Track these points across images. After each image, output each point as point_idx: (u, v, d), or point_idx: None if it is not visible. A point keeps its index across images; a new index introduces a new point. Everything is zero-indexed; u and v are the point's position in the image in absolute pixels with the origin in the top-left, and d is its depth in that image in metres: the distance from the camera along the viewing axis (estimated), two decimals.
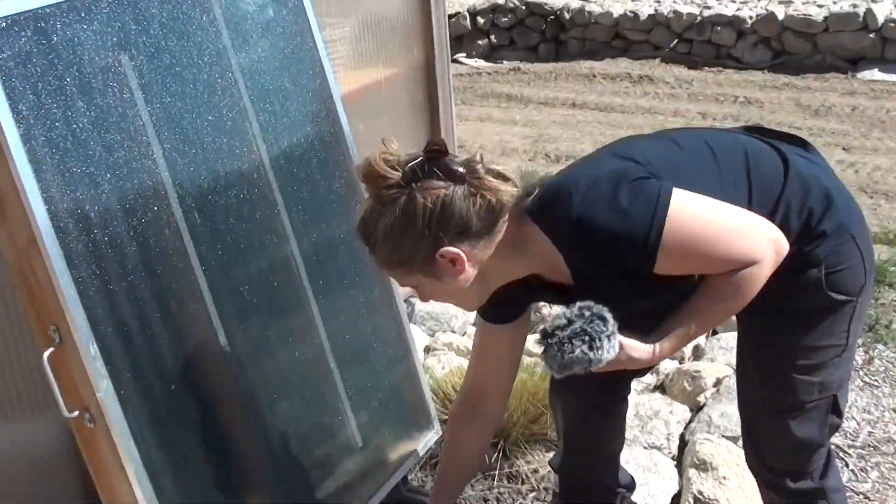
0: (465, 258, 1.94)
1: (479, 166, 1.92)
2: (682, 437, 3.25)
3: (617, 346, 1.92)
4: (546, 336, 1.91)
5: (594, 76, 9.43)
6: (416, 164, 1.90)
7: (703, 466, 2.92)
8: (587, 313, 1.89)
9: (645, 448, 3.17)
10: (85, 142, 2.01)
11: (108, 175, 2.05)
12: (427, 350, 3.91)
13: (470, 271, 1.97)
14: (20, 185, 1.86)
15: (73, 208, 1.98)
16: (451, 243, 1.92)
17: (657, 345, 2.01)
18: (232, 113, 2.36)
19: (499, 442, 3.16)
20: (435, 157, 1.90)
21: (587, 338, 1.86)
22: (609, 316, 1.90)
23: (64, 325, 1.95)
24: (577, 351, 1.86)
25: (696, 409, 3.37)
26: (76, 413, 2.01)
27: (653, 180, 1.96)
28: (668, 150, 2.11)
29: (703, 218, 1.94)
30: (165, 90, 2.18)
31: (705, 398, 3.39)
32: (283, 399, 2.51)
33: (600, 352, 1.88)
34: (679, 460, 3.14)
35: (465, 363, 3.53)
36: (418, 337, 3.87)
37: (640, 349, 1.99)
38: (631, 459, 3.00)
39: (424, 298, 2.10)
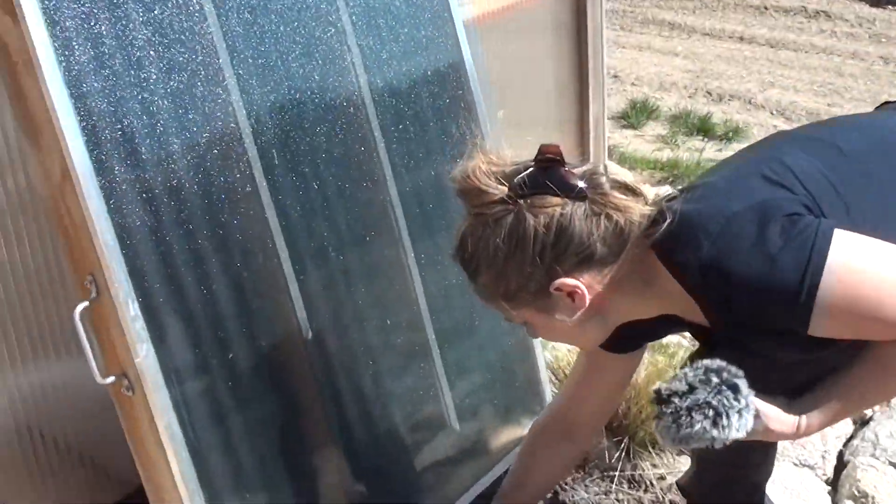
0: (584, 292, 1.60)
1: (604, 179, 1.57)
2: (840, 455, 2.77)
3: (750, 421, 1.55)
4: (660, 401, 1.55)
5: (766, 8, 8.68)
6: (525, 175, 1.55)
7: (863, 500, 2.45)
8: (715, 380, 1.52)
9: (795, 465, 2.71)
10: (139, 61, 1.68)
11: (166, 102, 1.72)
12: None
13: (590, 307, 1.62)
14: (52, 106, 1.55)
15: (119, 139, 1.66)
16: (569, 273, 1.58)
17: (804, 417, 1.64)
18: (326, 34, 1.99)
19: (623, 440, 2.76)
20: (549, 167, 1.56)
21: (711, 412, 1.50)
22: (743, 385, 1.53)
23: (101, 276, 1.65)
24: (698, 426, 1.51)
25: (861, 423, 2.87)
26: (112, 379, 1.72)
27: (809, 217, 1.54)
28: (829, 163, 1.66)
29: (873, 270, 1.51)
30: (242, 1, 1.83)
31: (872, 411, 2.88)
32: (368, 374, 2.18)
33: (727, 430, 1.51)
34: (834, 485, 2.67)
35: None
36: None
37: (782, 421, 1.62)
38: (776, 479, 2.55)
39: (534, 335, 1.76)
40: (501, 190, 1.56)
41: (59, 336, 2.31)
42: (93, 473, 2.47)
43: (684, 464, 2.76)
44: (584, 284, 1.59)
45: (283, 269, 1.95)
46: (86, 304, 1.67)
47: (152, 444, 1.77)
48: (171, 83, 1.73)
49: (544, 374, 2.70)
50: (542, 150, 1.57)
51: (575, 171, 1.57)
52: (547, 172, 1.55)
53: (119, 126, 1.65)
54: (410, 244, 2.24)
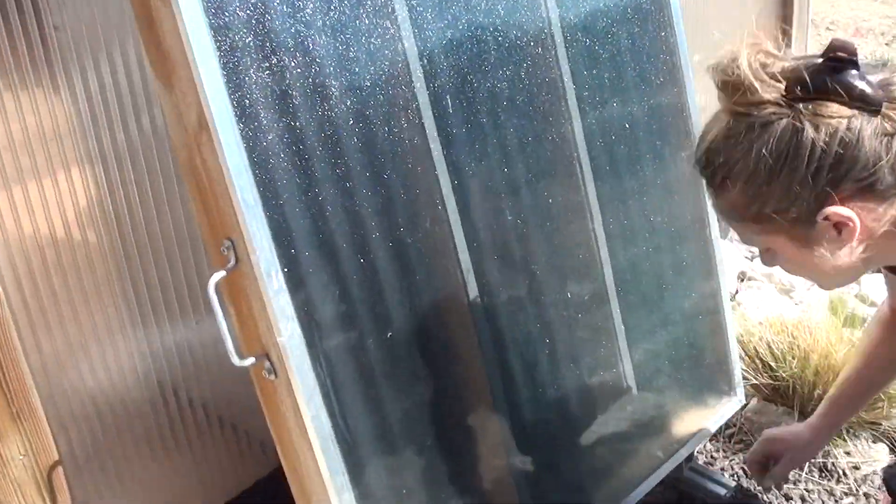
0: (857, 225, 1.29)
1: None
2: None
3: None
4: None
5: None
6: (809, 74, 1.24)
7: None
8: None
9: None
10: None
11: (323, 37, 1.45)
12: (740, 278, 3.15)
13: (856, 244, 1.32)
14: (188, 40, 1.29)
15: (266, 81, 1.39)
16: (844, 202, 1.27)
17: None
18: None
19: None
20: (840, 67, 1.24)
21: None
22: None
23: (240, 241, 1.40)
24: None
25: None
26: (251, 360, 1.48)
27: None
28: None
29: None
30: None
31: None
32: (543, 351, 1.88)
33: None
34: None
35: (786, 305, 2.76)
36: (729, 258, 3.10)
37: None
38: None
39: (771, 264, 1.44)
40: (777, 88, 1.26)
41: (200, 296, 2.11)
42: (245, 443, 2.28)
43: (881, 452, 2.39)
44: (859, 217, 1.28)
45: (453, 237, 1.67)
46: (222, 273, 1.43)
47: (297, 434, 1.54)
48: (331, 14, 1.45)
49: (735, 352, 2.35)
50: (834, 46, 1.25)
51: (870, 77, 1.25)
52: (837, 74, 1.24)
53: (267, 65, 1.39)
54: (599, 211, 1.92)
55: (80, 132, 1.83)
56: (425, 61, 1.56)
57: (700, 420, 2.30)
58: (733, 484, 2.31)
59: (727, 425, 2.47)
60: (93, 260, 1.89)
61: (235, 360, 1.46)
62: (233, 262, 1.42)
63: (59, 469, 1.90)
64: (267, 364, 1.48)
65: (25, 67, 1.73)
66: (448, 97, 1.61)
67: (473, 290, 1.71)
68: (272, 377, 1.49)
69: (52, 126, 1.79)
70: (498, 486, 1.84)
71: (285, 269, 1.42)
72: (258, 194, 1.38)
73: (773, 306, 2.88)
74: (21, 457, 1.83)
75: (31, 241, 1.80)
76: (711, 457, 2.43)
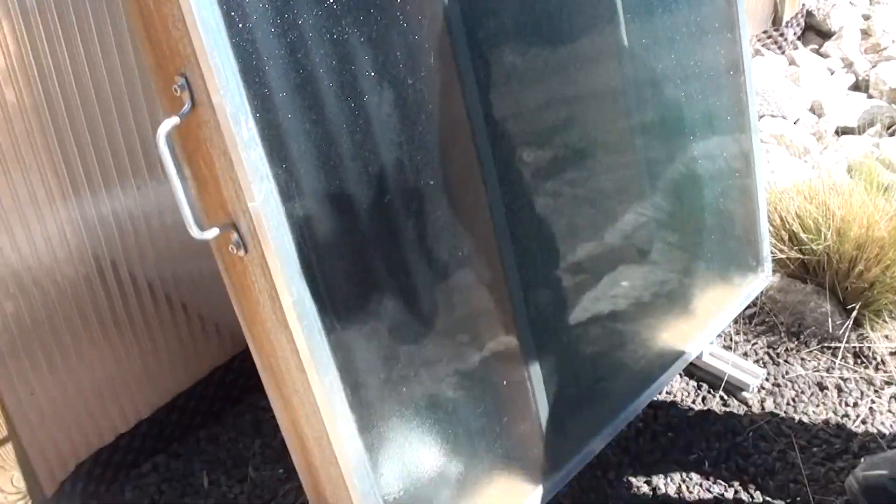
0: None
1: None
2: None
3: None
4: None
5: None
6: None
7: None
8: None
9: None
10: None
11: None
12: None
13: None
14: None
15: None
16: None
17: None
18: None
19: (853, 305, 2.15)
20: None
21: None
22: None
23: (198, 77, 1.07)
24: None
25: None
26: (214, 231, 1.16)
27: None
28: None
29: None
30: None
31: None
32: (558, 210, 1.59)
33: None
34: None
35: (802, 170, 2.48)
36: None
37: None
38: None
39: None
40: None
41: (142, 159, 1.77)
42: (199, 327, 1.98)
43: None
44: None
45: (462, 80, 1.35)
46: (175, 120, 1.10)
47: (273, 323, 1.24)
48: None
49: (765, 221, 2.08)
50: None
51: None
52: None
53: None
54: (623, 33, 1.61)
55: None
56: None
57: (724, 298, 2.04)
58: (761, 371, 2.06)
59: (748, 305, 2.22)
60: (12, 121, 1.54)
61: (195, 233, 1.14)
62: (188, 105, 1.09)
63: None
64: (234, 236, 1.17)
65: None
66: None
67: (485, 149, 1.40)
68: (241, 253, 1.18)
69: None
70: (509, 372, 1.56)
71: (256, 114, 1.10)
72: (220, 13, 1.04)
73: (787, 171, 2.60)
74: None
75: None
76: (731, 339, 2.19)
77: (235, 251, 1.18)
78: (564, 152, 1.57)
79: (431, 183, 1.34)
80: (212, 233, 1.16)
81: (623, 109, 1.66)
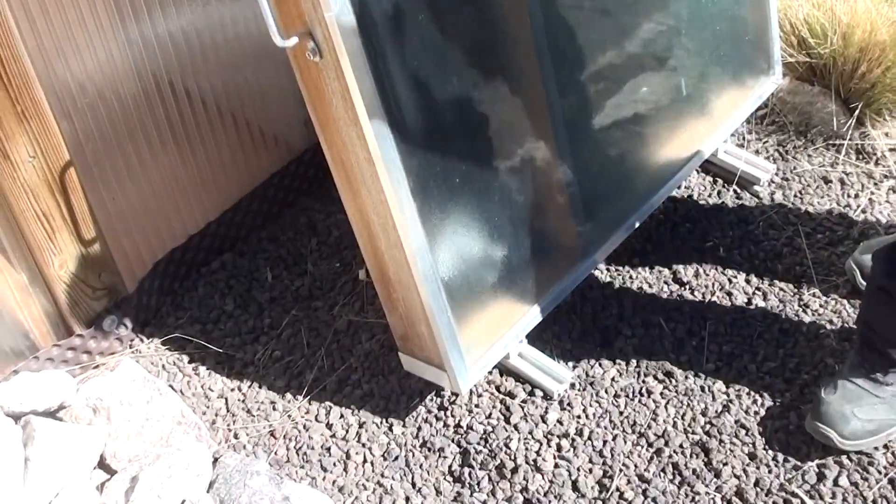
0: None
1: None
2: None
3: None
4: None
5: None
6: None
7: None
8: None
9: None
10: None
11: None
12: None
13: None
14: None
15: None
16: None
17: None
18: None
19: (856, 105, 2.31)
20: None
21: None
22: None
23: None
24: None
25: None
26: (294, 40, 1.32)
27: None
28: None
29: None
30: None
31: None
32: (582, 23, 1.74)
33: None
34: None
35: None
36: None
37: None
38: None
39: None
40: None
41: None
42: (259, 137, 2.15)
43: None
44: None
45: None
46: None
47: (345, 123, 1.41)
48: None
49: (775, 24, 2.22)
50: None
51: None
52: None
53: None
54: None
55: None
56: None
57: (738, 99, 2.20)
58: (771, 167, 2.24)
59: (760, 106, 2.38)
60: None
61: (277, 40, 1.30)
62: None
63: (72, 170, 1.78)
64: (311, 44, 1.33)
65: None
66: None
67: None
68: (316, 58, 1.35)
69: None
70: (546, 170, 1.74)
71: None
72: None
73: None
74: (31, 159, 1.71)
75: None
76: (744, 138, 2.35)
77: (311, 57, 1.35)
78: None
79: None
80: (291, 41, 1.32)
81: None
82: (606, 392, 1.79)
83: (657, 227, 2.13)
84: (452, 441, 1.73)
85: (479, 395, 1.80)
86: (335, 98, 1.39)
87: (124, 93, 1.85)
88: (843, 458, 1.63)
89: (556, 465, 1.68)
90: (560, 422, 1.74)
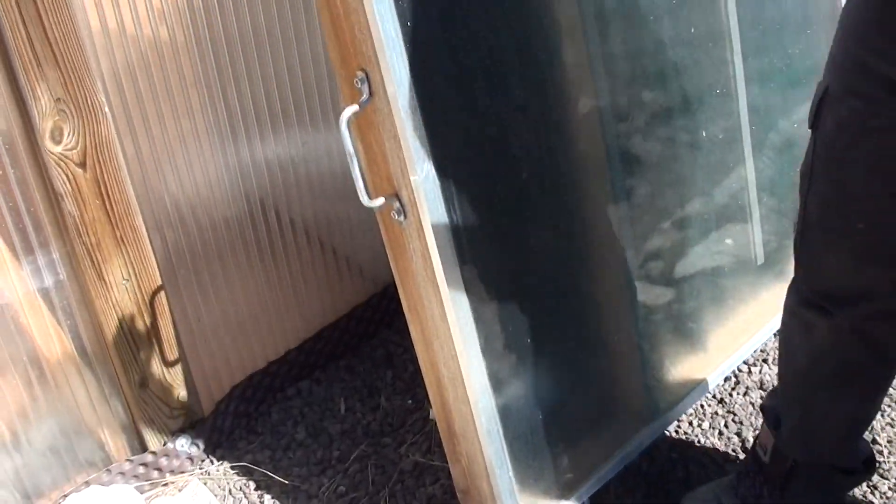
0: None
1: None
2: None
3: None
4: None
5: None
6: None
7: None
8: None
9: None
10: None
11: None
12: None
13: None
14: None
15: None
16: None
17: None
18: None
19: None
20: None
21: None
22: None
23: (376, 73, 1.28)
24: None
25: None
26: (381, 201, 1.38)
27: None
28: None
29: None
30: None
31: None
32: (667, 191, 1.76)
33: None
34: None
35: None
36: None
37: None
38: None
39: None
40: None
41: (305, 106, 1.99)
42: (345, 268, 2.22)
43: None
44: None
45: (589, 67, 1.53)
46: (355, 108, 1.31)
47: (423, 279, 1.45)
48: None
49: None
50: None
51: None
52: None
53: None
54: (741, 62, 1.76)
55: None
56: None
57: None
58: None
59: None
60: (168, 56, 1.74)
61: (365, 201, 1.36)
62: (366, 95, 1.30)
63: (162, 293, 1.86)
64: (396, 205, 1.39)
65: None
66: None
67: (611, 135, 1.58)
68: (401, 218, 1.40)
69: None
70: (618, 333, 1.76)
71: (422, 106, 1.30)
72: (398, 24, 1.24)
73: None
74: (124, 282, 1.78)
75: (117, 36, 1.68)
76: None
77: (396, 217, 1.40)
78: (670, 103, 1.74)
79: (563, 170, 1.54)
80: (378, 201, 1.38)
81: (727, 57, 1.82)
82: None
83: (730, 390, 2.11)
84: None
85: None
86: (415, 256, 1.43)
87: (217, 214, 1.92)
88: None
89: None
90: None
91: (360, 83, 1.30)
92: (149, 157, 1.77)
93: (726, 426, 2.02)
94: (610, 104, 1.58)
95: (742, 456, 1.95)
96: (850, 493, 1.81)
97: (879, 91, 1.17)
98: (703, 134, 1.79)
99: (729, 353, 2.03)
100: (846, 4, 1.24)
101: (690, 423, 2.03)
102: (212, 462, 2.04)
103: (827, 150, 1.29)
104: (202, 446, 2.03)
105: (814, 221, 1.36)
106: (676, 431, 2.02)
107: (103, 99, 1.61)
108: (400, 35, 1.25)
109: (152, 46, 1.70)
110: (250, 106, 1.89)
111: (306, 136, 2.02)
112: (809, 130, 1.33)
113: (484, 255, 1.47)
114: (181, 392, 1.98)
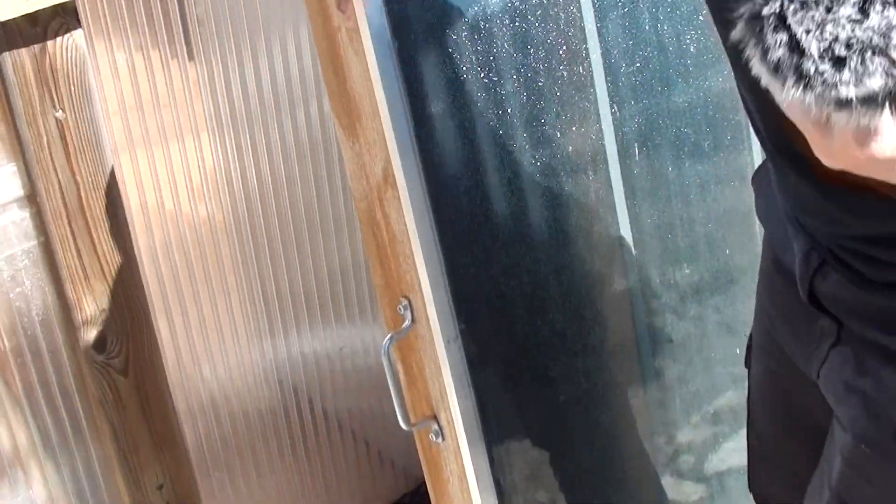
0: None
1: None
2: None
3: None
4: None
5: None
6: None
7: None
8: None
9: None
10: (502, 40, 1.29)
11: (519, 100, 1.32)
12: None
13: None
14: (381, 94, 1.18)
15: (455, 140, 1.28)
16: None
17: None
18: None
19: None
20: None
21: None
22: None
23: (419, 301, 1.30)
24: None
25: None
26: (420, 425, 1.39)
27: None
28: None
29: None
30: None
31: None
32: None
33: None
34: None
35: None
36: None
37: None
38: None
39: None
40: None
41: (342, 298, 2.01)
42: (377, 462, 2.20)
43: None
44: None
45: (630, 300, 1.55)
46: (398, 334, 1.33)
47: (459, 500, 1.44)
48: (530, 74, 1.33)
49: None
50: None
51: None
52: None
53: (458, 124, 1.28)
54: None
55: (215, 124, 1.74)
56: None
57: None
58: None
59: None
60: (219, 245, 1.79)
61: (403, 426, 1.36)
62: (408, 322, 1.32)
63: (195, 495, 1.85)
64: (435, 427, 1.39)
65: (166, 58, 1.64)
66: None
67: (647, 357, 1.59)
68: (439, 440, 1.40)
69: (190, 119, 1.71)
70: None
71: (463, 332, 1.32)
72: (441, 257, 1.28)
73: None
74: (158, 489, 1.78)
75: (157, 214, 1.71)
76: None
77: (434, 439, 1.40)
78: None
79: (602, 395, 1.54)
80: (417, 425, 1.38)
81: None
82: None
83: None
84: None
85: None
86: (452, 477, 1.43)
87: (251, 403, 1.93)
88: None
89: None
90: None
91: (403, 309, 1.32)
92: (184, 340, 1.79)
93: None
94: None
95: None
96: None
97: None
98: None
99: None
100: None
101: None
102: None
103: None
104: None
105: None
106: None
107: (150, 308, 1.65)
108: (443, 264, 1.28)
109: (191, 226, 1.74)
110: (287, 294, 1.92)
111: (342, 329, 2.04)
112: None
113: (523, 484, 1.47)
114: None
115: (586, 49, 1.37)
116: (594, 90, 1.40)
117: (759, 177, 1.16)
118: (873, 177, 0.66)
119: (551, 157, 1.37)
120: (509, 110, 1.32)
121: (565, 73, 1.35)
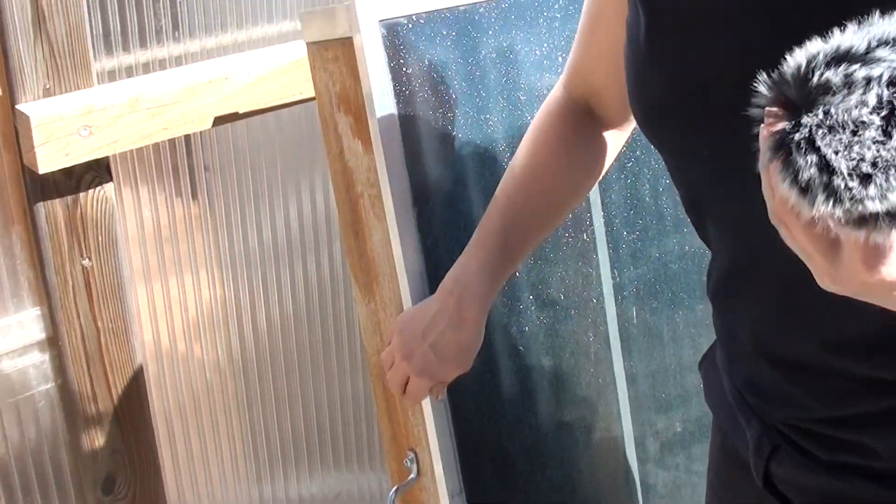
0: None
1: None
2: None
3: None
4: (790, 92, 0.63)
5: None
6: None
7: None
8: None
9: None
10: None
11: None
12: None
13: None
14: (398, 254, 1.26)
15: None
16: None
17: None
18: None
19: None
20: None
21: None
22: None
23: (426, 454, 1.35)
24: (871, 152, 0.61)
25: None
26: None
27: None
28: None
29: None
30: None
31: None
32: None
33: None
34: None
35: None
36: None
37: None
38: None
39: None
40: None
41: (342, 444, 2.05)
42: None
43: None
44: None
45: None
46: (403, 487, 1.38)
47: None
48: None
49: None
50: None
51: None
52: None
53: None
54: None
55: (225, 302, 1.81)
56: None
57: None
58: None
59: None
60: (226, 382, 1.83)
61: None
62: (414, 474, 1.37)
63: None
64: None
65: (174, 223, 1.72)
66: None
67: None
68: None
69: (209, 298, 1.78)
70: None
71: (465, 483, 1.37)
72: (450, 411, 1.33)
73: None
74: None
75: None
76: None
77: None
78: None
79: None
80: None
81: None
82: None
83: None
84: None
85: None
86: None
87: None
88: None
89: None
90: None
91: (409, 462, 1.37)
92: (188, 479, 1.81)
93: None
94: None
95: None
96: None
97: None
98: None
99: None
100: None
101: None
102: None
103: None
104: None
105: None
106: None
107: (158, 450, 1.68)
108: (451, 421, 1.33)
109: (201, 367, 1.79)
110: (290, 437, 1.95)
111: (340, 474, 2.07)
112: None
113: None
114: None
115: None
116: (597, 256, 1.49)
117: (706, 362, 1.15)
118: (875, 302, 0.67)
119: (554, 318, 1.44)
120: (525, 278, 1.39)
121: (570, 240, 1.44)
